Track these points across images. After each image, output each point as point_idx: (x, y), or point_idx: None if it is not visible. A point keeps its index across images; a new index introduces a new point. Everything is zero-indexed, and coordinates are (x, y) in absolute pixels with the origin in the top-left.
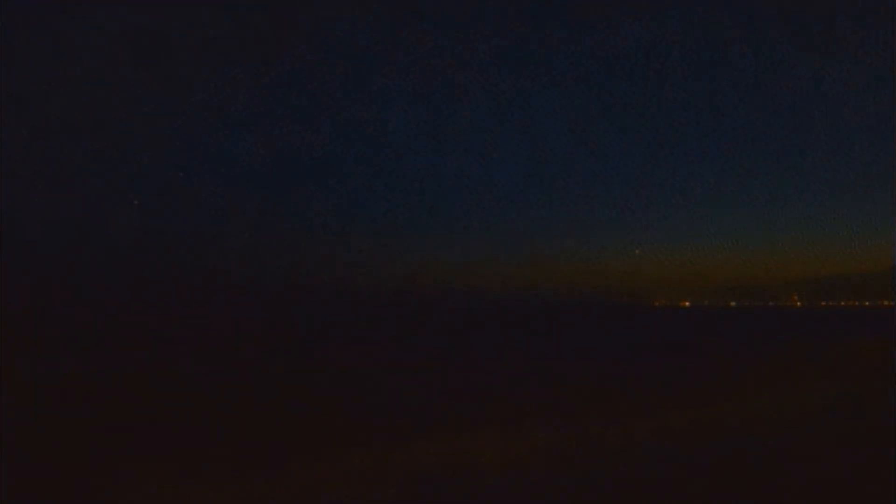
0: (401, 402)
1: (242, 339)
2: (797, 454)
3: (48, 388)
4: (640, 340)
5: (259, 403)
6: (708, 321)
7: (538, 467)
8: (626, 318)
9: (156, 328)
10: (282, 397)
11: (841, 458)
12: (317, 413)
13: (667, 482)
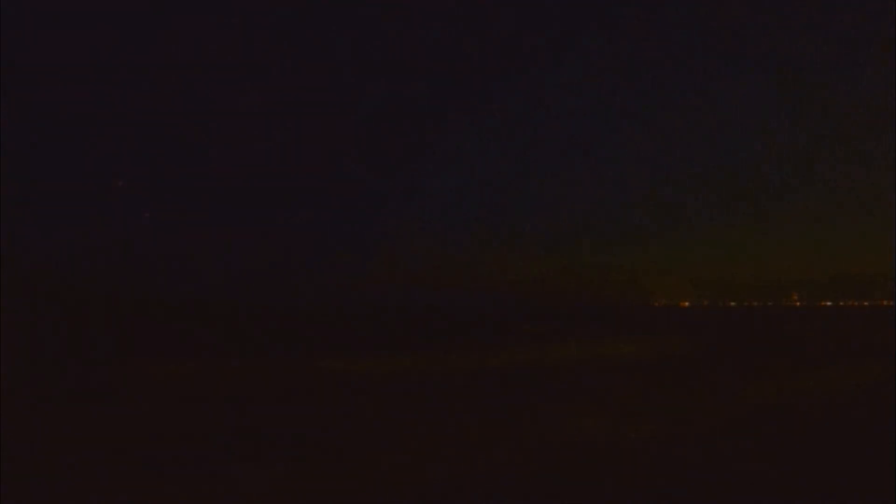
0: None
1: (242, 346)
2: (796, 454)
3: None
4: (640, 340)
5: (259, 404)
6: (707, 321)
7: (529, 468)
8: (626, 318)
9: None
10: (279, 398)
11: (840, 458)
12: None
13: (665, 483)
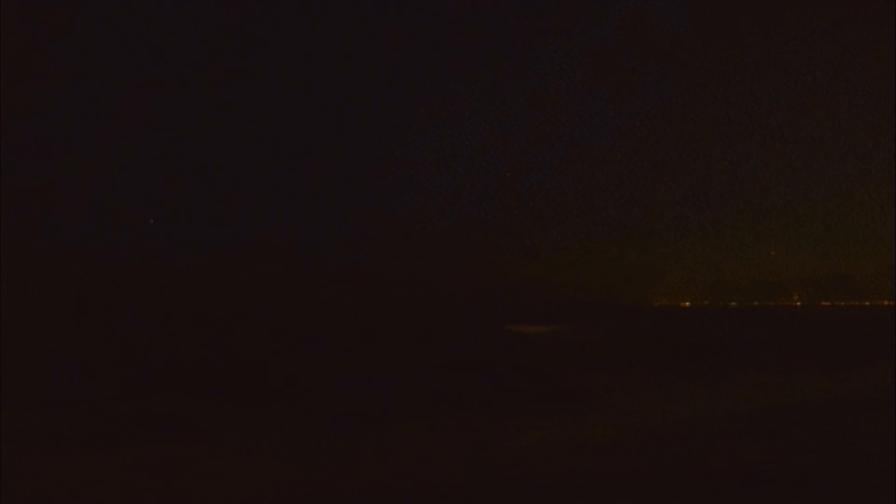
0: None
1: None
2: (795, 454)
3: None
4: (640, 339)
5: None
6: (707, 321)
7: (522, 465)
8: (626, 318)
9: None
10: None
11: (840, 458)
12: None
13: (662, 482)
